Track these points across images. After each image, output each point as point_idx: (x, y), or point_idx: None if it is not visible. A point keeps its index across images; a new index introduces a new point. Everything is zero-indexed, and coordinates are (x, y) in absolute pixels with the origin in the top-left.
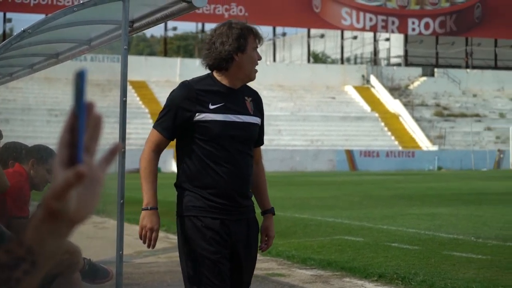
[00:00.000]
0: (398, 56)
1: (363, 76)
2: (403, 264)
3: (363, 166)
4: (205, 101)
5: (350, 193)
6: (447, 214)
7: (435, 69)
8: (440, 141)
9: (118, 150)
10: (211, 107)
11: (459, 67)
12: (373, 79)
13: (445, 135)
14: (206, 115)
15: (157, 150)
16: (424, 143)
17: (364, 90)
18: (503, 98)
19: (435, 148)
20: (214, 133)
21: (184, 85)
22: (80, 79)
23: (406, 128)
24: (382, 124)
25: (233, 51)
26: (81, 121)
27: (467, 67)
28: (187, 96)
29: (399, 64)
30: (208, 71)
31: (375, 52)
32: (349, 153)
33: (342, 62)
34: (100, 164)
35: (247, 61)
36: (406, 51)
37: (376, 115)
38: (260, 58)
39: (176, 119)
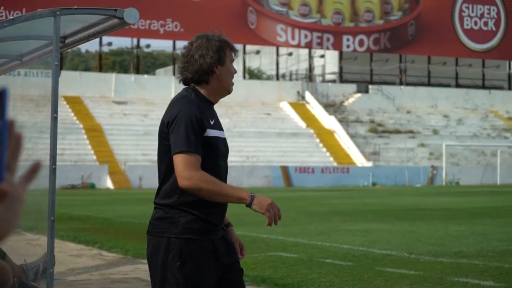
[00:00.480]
0: (333, 73)
1: (298, 92)
2: (337, 280)
3: (299, 182)
4: (205, 116)
5: (285, 209)
6: (381, 230)
7: (370, 86)
8: (375, 157)
9: (39, 168)
10: (211, 122)
11: (393, 83)
12: (308, 96)
13: (379, 151)
14: (211, 131)
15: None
16: (359, 159)
17: (299, 107)
18: (436, 115)
19: (369, 164)
20: (215, 150)
21: (189, 98)
22: (1, 98)
23: (341, 144)
24: (317, 140)
25: (214, 64)
26: (3, 139)
27: (401, 83)
28: (198, 109)
29: (334, 81)
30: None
31: (310, 68)
32: (285, 169)
33: (278, 78)
34: (21, 182)
35: (226, 74)
36: (341, 68)
37: (311, 131)
38: (235, 72)
39: (199, 134)
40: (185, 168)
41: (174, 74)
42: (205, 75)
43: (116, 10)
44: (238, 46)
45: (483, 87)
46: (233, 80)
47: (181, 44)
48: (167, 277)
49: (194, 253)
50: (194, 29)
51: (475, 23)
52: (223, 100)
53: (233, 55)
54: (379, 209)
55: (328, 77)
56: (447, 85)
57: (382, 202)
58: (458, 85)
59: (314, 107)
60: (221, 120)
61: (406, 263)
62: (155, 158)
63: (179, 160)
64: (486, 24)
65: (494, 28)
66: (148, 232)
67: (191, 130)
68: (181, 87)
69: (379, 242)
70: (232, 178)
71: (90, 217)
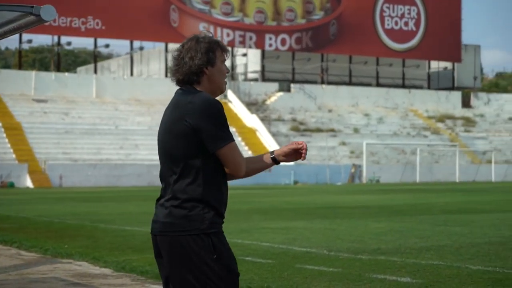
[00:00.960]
0: (255, 72)
1: None
2: (256, 278)
3: None
4: None
5: None
6: (301, 227)
7: (292, 85)
8: None
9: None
10: None
11: (314, 82)
12: (230, 94)
13: None
14: None
15: None
16: None
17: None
18: (357, 114)
19: (291, 162)
20: None
21: (214, 98)
22: None
23: (263, 142)
24: (240, 138)
25: (203, 65)
26: None
27: (322, 82)
28: None
29: (256, 80)
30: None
31: (233, 67)
32: None
33: None
34: None
35: (217, 74)
36: (263, 67)
37: (234, 129)
38: (228, 71)
39: None
40: (240, 157)
41: (95, 72)
42: (195, 76)
43: (32, 7)
44: (160, 45)
45: (403, 86)
46: (156, 78)
47: (102, 42)
48: (205, 272)
49: (224, 244)
50: (116, 27)
51: (396, 23)
52: (144, 99)
53: (225, 55)
54: (300, 207)
55: (250, 75)
56: (368, 84)
57: (303, 200)
58: (378, 84)
59: (236, 105)
60: (143, 119)
61: (326, 260)
62: (76, 156)
63: (231, 152)
64: (406, 24)
65: (414, 28)
66: (165, 232)
67: (226, 120)
68: (104, 84)
69: (299, 239)
70: (153, 177)
71: (9, 217)
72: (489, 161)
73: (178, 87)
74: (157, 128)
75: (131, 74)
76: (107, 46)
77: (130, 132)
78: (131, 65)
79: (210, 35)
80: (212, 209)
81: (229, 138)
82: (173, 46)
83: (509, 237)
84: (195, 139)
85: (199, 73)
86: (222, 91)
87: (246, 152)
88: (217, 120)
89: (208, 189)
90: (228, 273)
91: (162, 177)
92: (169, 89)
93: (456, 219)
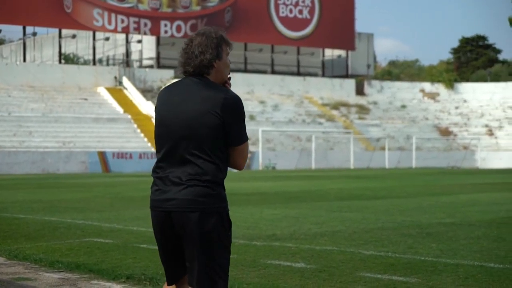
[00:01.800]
0: (151, 58)
1: (115, 77)
2: (151, 264)
3: (116, 168)
4: None
5: (102, 195)
6: None
7: None
8: None
9: None
10: None
11: None
12: (125, 81)
13: None
14: None
15: None
16: None
17: (117, 92)
18: (253, 101)
19: None
20: None
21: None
22: None
23: None
24: (135, 125)
25: (213, 59)
26: None
27: None
28: None
29: (151, 66)
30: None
31: (128, 53)
32: (102, 155)
33: (94, 63)
34: None
35: (223, 66)
36: (158, 53)
37: (129, 116)
38: (230, 62)
39: None
40: (247, 153)
41: None
42: (206, 69)
43: None
44: (54, 31)
45: (298, 74)
46: (49, 65)
47: None
48: (218, 242)
49: (229, 223)
50: (8, 13)
51: (290, 11)
52: (38, 85)
53: (228, 49)
54: None
55: (145, 62)
56: (264, 72)
57: None
58: (274, 72)
59: (132, 92)
60: (37, 105)
61: None
62: None
63: (246, 148)
64: (301, 12)
65: (308, 16)
66: (189, 209)
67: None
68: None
69: None
70: (48, 164)
71: None
72: (383, 148)
73: (184, 76)
74: (51, 115)
75: (24, 60)
76: None
77: (24, 119)
78: (24, 51)
79: (216, 29)
80: (224, 190)
81: (247, 137)
82: (67, 32)
83: (401, 222)
84: (223, 132)
85: (209, 66)
86: (225, 80)
87: (142, 139)
88: (243, 120)
89: (224, 174)
90: (230, 242)
91: (174, 156)
92: (62, 76)
93: (350, 205)
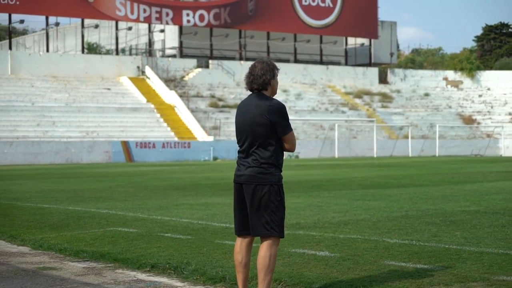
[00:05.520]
0: (173, 48)
1: (138, 67)
2: (176, 254)
3: (139, 157)
4: None
5: (125, 185)
6: (220, 203)
7: (210, 61)
8: (216, 132)
9: None
10: None
11: (233, 59)
12: (148, 70)
13: (220, 126)
14: None
15: None
16: (200, 134)
17: (140, 81)
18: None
19: (210, 138)
20: None
21: (270, 98)
22: None
23: (182, 119)
24: (158, 115)
25: (270, 79)
26: None
27: (240, 59)
28: None
29: (174, 56)
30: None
31: (150, 43)
32: (125, 144)
33: (117, 53)
34: None
35: (275, 84)
36: (181, 43)
37: (152, 106)
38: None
39: None
40: (295, 139)
41: (10, 48)
42: (266, 85)
43: None
44: (76, 21)
45: (321, 62)
46: (72, 55)
47: (17, 17)
48: (273, 204)
49: (283, 191)
50: (31, 2)
51: None
52: (61, 75)
53: (277, 72)
54: (219, 183)
55: (168, 52)
56: (286, 60)
57: (223, 176)
58: (296, 61)
59: (155, 82)
60: (60, 95)
61: None
62: None
63: (293, 136)
64: (323, 0)
65: (331, 5)
66: (250, 182)
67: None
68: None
69: (218, 215)
70: (71, 154)
71: None
72: (406, 136)
73: (250, 92)
74: (74, 105)
75: (47, 50)
76: (22, 21)
77: (47, 109)
78: (47, 41)
79: (269, 59)
80: (279, 170)
81: (291, 128)
82: (89, 22)
83: (425, 211)
84: (271, 128)
85: (268, 83)
86: (276, 93)
87: (165, 128)
88: (285, 117)
89: (276, 157)
90: (283, 207)
91: (245, 147)
92: (85, 66)
93: (374, 193)
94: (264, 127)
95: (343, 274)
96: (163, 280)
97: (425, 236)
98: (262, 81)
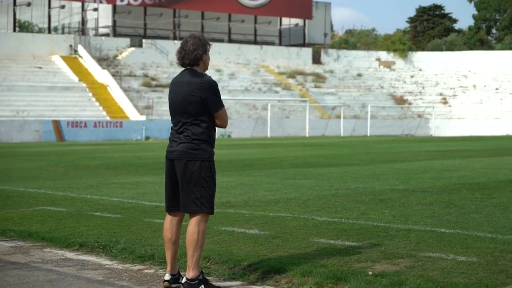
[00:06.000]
0: (106, 27)
1: (70, 46)
2: (105, 232)
3: (71, 137)
4: None
5: (56, 164)
6: (151, 182)
7: (143, 40)
8: (148, 111)
9: None
10: None
11: (167, 38)
12: (81, 49)
13: (153, 105)
14: None
15: None
16: (132, 113)
17: (72, 60)
18: (209, 70)
19: (143, 118)
20: None
21: (201, 73)
22: None
23: (114, 98)
24: (90, 94)
25: (202, 54)
26: None
27: (174, 38)
28: None
29: (107, 35)
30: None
31: (83, 22)
32: (56, 124)
33: (50, 32)
34: None
35: (207, 59)
36: (114, 22)
37: (84, 85)
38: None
39: None
40: (227, 116)
41: None
42: (198, 61)
43: None
44: None
45: (255, 42)
46: (3, 33)
47: None
48: (204, 180)
49: (214, 168)
50: None
51: None
52: None
53: (209, 47)
54: (151, 162)
55: (101, 30)
56: (220, 40)
57: (154, 156)
58: (231, 41)
59: (87, 61)
60: None
61: None
62: None
63: (225, 112)
64: None
65: None
66: (181, 158)
67: (220, 93)
68: None
69: (148, 194)
70: (1, 134)
71: None
72: (338, 116)
73: (182, 68)
74: (5, 84)
75: None
76: None
77: None
78: None
79: (201, 34)
80: (211, 146)
81: (223, 105)
82: (22, 0)
83: (355, 189)
84: (202, 105)
85: (199, 59)
86: (207, 68)
87: (97, 108)
88: (216, 94)
89: (208, 133)
90: (214, 184)
91: (177, 124)
92: (16, 44)
93: (305, 172)
94: (196, 104)
95: (272, 251)
96: (92, 258)
97: (354, 214)
98: (193, 57)
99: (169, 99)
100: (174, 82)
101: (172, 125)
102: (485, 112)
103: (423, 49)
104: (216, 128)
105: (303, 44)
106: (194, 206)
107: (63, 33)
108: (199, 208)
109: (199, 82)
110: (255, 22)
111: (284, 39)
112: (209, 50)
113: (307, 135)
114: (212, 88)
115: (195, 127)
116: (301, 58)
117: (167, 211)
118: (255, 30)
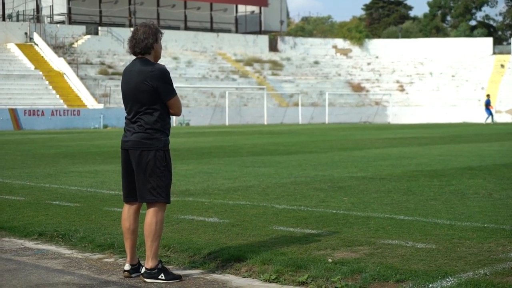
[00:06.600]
0: (62, 14)
1: (26, 33)
2: (64, 221)
3: (28, 125)
4: None
5: (13, 152)
6: (110, 171)
7: (99, 28)
8: (106, 99)
9: None
10: None
11: (123, 25)
12: (36, 37)
13: (110, 94)
14: None
15: None
16: (90, 102)
17: (27, 48)
18: (166, 57)
19: (100, 106)
20: None
21: (152, 62)
22: None
23: (71, 86)
24: (47, 82)
25: (153, 42)
26: None
27: (130, 26)
28: None
29: (62, 22)
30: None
31: (38, 9)
32: (13, 112)
33: (4, 19)
34: None
35: (159, 48)
36: (69, 9)
37: (40, 73)
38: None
39: None
40: (180, 104)
41: None
42: (149, 50)
43: None
44: None
45: (212, 30)
46: None
47: None
48: (159, 170)
49: (169, 157)
50: None
51: None
52: None
53: (161, 36)
54: (109, 150)
55: (56, 18)
56: (176, 28)
57: (112, 144)
58: (187, 28)
59: (43, 48)
60: None
61: None
62: None
63: (178, 100)
64: None
65: None
66: (136, 148)
67: (172, 81)
68: None
69: (107, 182)
70: None
71: None
72: (296, 104)
73: (135, 57)
74: None
75: None
76: None
77: None
78: None
79: (152, 22)
80: (165, 135)
81: (175, 93)
82: None
83: (314, 177)
84: (155, 93)
85: (150, 47)
86: (160, 57)
87: (54, 96)
88: (168, 82)
89: (162, 122)
90: (169, 173)
91: (131, 113)
92: None
93: (263, 160)
94: (148, 93)
95: (232, 239)
96: (51, 247)
97: (313, 201)
98: (144, 45)
99: (121, 89)
100: (125, 72)
101: (126, 115)
102: (441, 100)
103: (379, 37)
104: (172, 116)
105: (260, 32)
106: (151, 196)
107: (17, 20)
108: (156, 198)
109: (149, 71)
110: (211, 9)
111: (241, 26)
112: (160, 39)
113: (265, 123)
114: (163, 76)
115: (148, 116)
116: (258, 45)
117: (124, 201)
118: (211, 18)
